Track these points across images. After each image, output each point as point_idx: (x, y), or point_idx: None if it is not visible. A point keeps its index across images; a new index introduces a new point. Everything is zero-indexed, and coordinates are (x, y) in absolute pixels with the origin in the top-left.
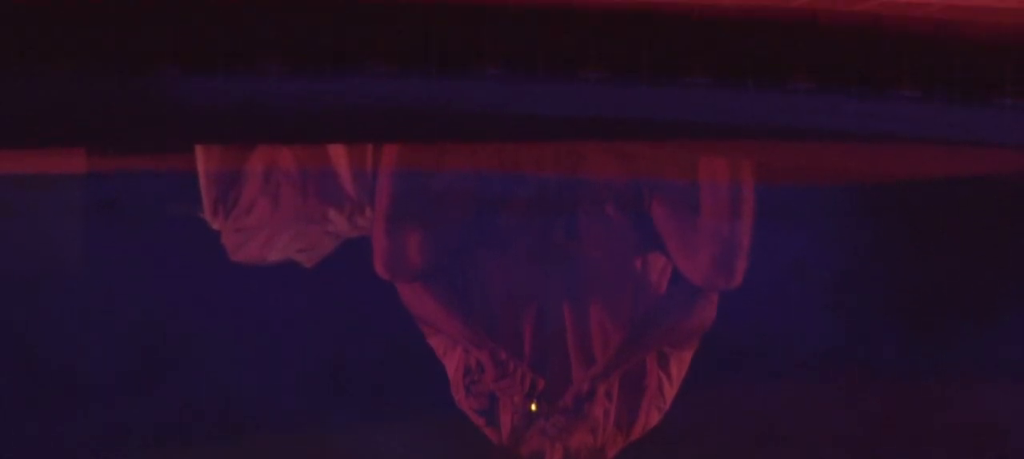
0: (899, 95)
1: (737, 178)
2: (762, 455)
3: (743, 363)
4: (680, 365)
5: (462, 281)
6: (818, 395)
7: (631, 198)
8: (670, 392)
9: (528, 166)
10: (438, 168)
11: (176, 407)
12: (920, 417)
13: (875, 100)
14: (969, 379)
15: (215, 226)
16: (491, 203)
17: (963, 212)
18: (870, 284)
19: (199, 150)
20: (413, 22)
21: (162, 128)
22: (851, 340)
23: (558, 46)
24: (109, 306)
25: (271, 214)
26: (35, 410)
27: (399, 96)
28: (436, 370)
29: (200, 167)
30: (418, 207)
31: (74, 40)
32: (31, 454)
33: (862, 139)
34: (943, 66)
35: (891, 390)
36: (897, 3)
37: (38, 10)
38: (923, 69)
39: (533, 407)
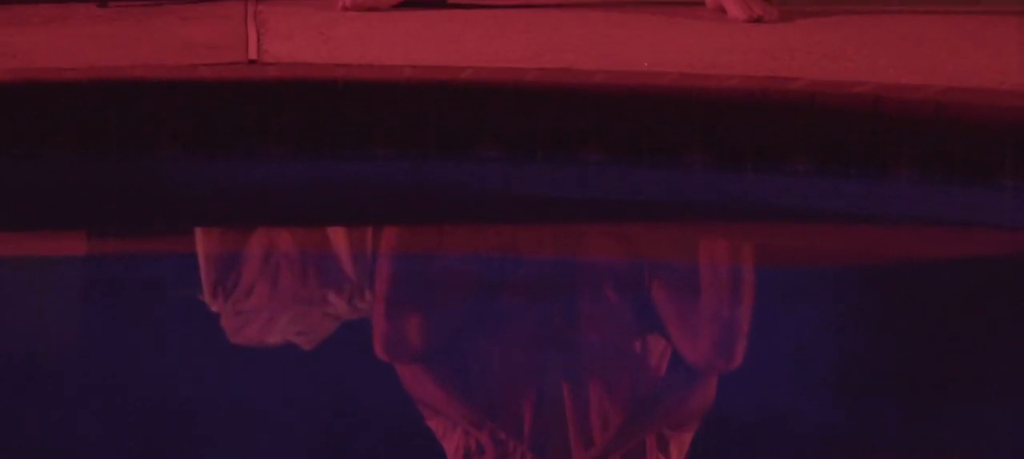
0: (898, 176)
1: (737, 259)
2: None
3: (743, 445)
4: (680, 447)
5: (462, 363)
6: None
7: (631, 280)
8: None
9: (527, 248)
10: (438, 250)
11: None
12: None
13: (874, 181)
14: None
15: (215, 308)
16: (491, 285)
17: (963, 293)
18: (870, 365)
19: (199, 232)
20: (413, 104)
21: (162, 210)
22: (851, 422)
23: (558, 128)
24: (108, 388)
25: (270, 296)
26: None
27: (398, 178)
28: (436, 452)
29: (199, 249)
30: (417, 289)
31: (73, 121)
32: None
33: (862, 220)
34: (942, 148)
35: None
36: (896, 85)
37: (36, 91)
38: (922, 151)
39: None
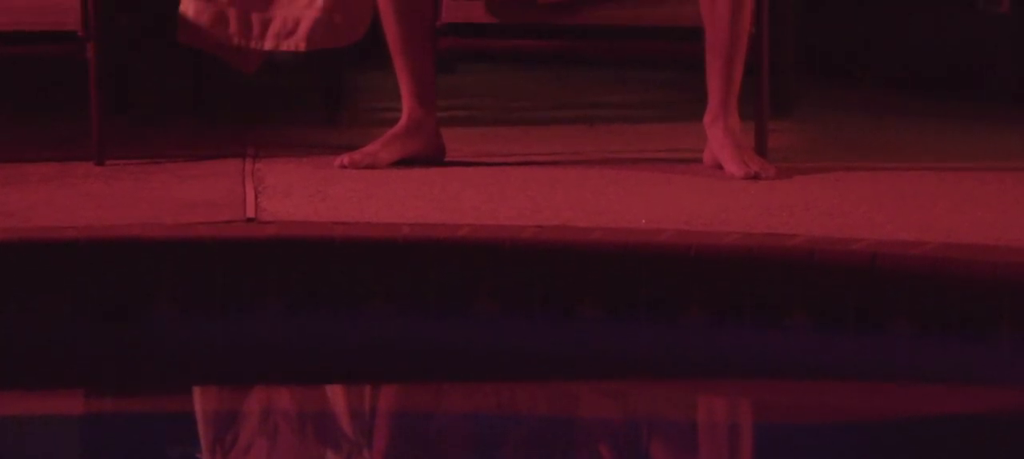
0: (897, 332)
1: (735, 417)
2: None
3: None
4: None
5: None
6: None
7: (628, 438)
8: None
9: (524, 406)
10: (435, 408)
11: None
12: None
13: (873, 337)
14: None
15: None
16: (488, 443)
17: (963, 450)
18: None
19: (196, 391)
20: (411, 260)
21: (160, 368)
22: None
23: (555, 284)
24: None
25: (268, 455)
26: None
27: (396, 335)
28: None
29: (197, 408)
30: (415, 447)
31: (70, 280)
32: None
33: (860, 377)
34: (940, 304)
35: None
36: (893, 241)
37: (33, 250)
38: (920, 307)
39: None
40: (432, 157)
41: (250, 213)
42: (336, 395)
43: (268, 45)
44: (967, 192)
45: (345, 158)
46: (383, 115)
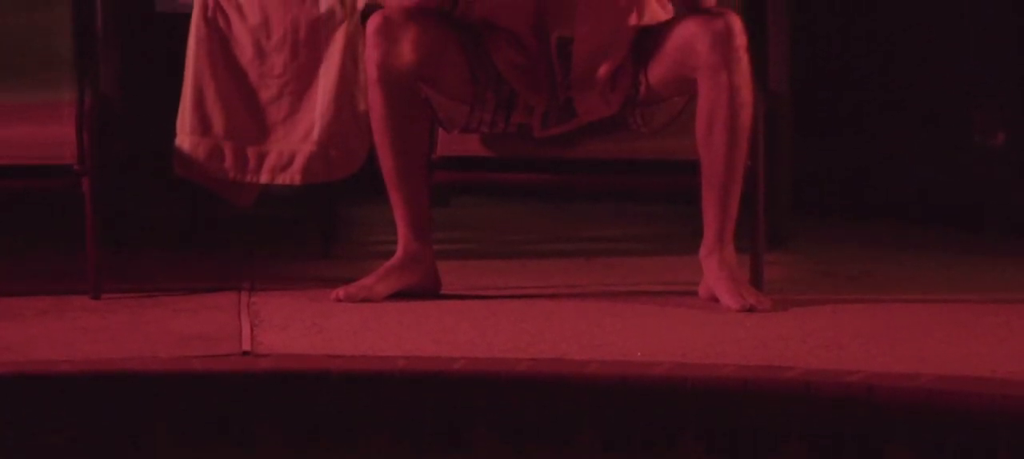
0: None
1: None
2: None
3: None
4: None
5: None
6: None
7: None
8: None
9: None
10: None
11: None
12: None
13: None
14: None
15: None
16: None
17: None
18: None
19: None
20: (406, 394)
21: None
22: None
23: (551, 417)
24: None
25: None
26: None
27: None
28: None
29: None
30: None
31: (66, 414)
32: None
33: None
34: (937, 436)
35: None
36: (890, 374)
37: (29, 384)
38: (917, 439)
39: None
40: (428, 290)
41: (246, 347)
42: None
43: (264, 179)
44: (963, 324)
45: (341, 291)
46: (379, 248)
